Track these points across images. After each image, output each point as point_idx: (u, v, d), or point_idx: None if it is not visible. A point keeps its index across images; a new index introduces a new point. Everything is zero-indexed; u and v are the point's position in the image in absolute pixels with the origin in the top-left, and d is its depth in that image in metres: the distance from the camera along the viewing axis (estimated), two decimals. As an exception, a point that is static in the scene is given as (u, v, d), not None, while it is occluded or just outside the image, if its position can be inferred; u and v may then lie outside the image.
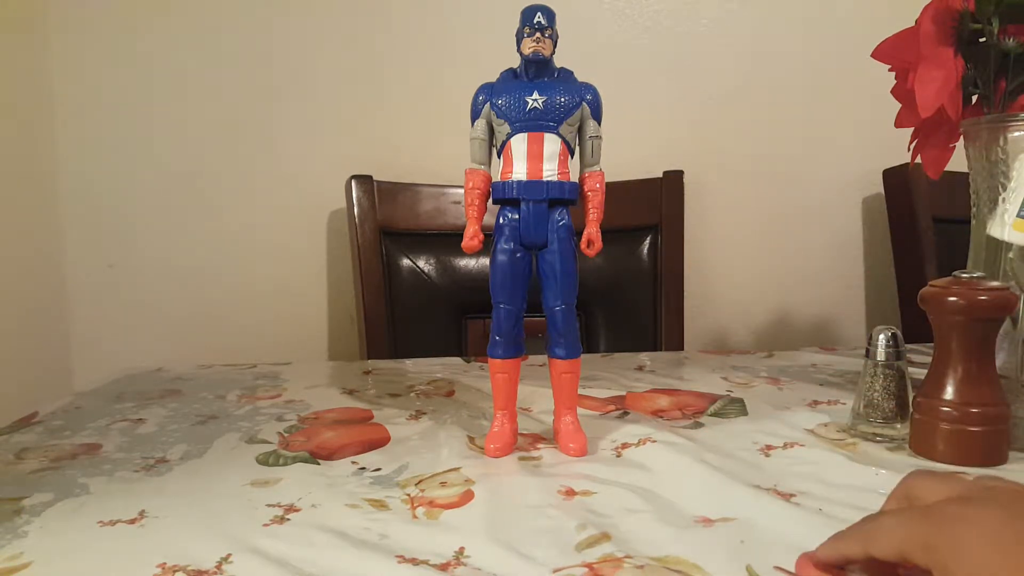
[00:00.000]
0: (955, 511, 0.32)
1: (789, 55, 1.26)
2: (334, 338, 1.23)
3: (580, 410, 0.62)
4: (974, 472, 0.52)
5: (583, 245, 0.56)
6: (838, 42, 1.23)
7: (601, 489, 0.50)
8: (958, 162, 0.66)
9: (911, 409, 0.58)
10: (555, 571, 0.39)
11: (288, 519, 0.46)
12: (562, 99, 0.55)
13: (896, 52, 0.66)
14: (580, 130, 0.56)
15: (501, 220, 0.56)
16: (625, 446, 0.59)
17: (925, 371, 0.57)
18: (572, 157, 0.57)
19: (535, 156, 0.55)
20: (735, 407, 0.70)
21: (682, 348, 1.16)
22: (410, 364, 0.93)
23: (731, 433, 0.62)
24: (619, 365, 0.90)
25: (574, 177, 0.57)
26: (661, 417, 0.67)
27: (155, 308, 1.18)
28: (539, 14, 0.54)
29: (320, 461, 0.57)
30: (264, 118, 1.17)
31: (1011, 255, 0.59)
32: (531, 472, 0.54)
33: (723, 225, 1.28)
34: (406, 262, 1.12)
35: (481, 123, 0.56)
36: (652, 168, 1.18)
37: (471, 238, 0.56)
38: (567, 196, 0.55)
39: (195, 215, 1.17)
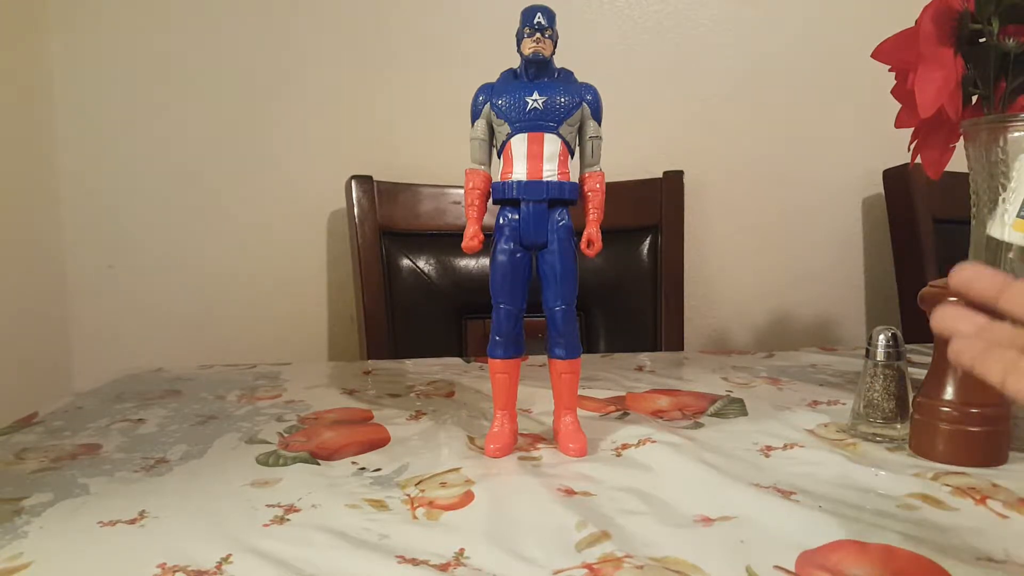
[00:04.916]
0: None
1: (789, 55, 1.26)
2: (334, 338, 1.23)
3: (580, 410, 0.62)
4: (973, 472, 0.52)
5: (583, 245, 0.56)
6: (838, 42, 1.23)
7: (601, 489, 0.50)
8: (958, 162, 0.65)
9: (911, 409, 0.58)
10: (555, 572, 0.39)
11: (288, 519, 0.46)
12: (562, 99, 0.55)
13: (896, 52, 0.65)
14: (580, 130, 0.56)
15: (501, 220, 0.56)
16: (625, 446, 0.59)
17: (925, 371, 0.57)
18: (572, 157, 0.57)
19: (535, 156, 0.55)
20: (735, 407, 0.70)
21: (682, 348, 1.16)
22: (410, 364, 0.93)
23: (731, 433, 0.62)
24: (619, 365, 0.90)
25: (574, 177, 0.57)
26: (661, 417, 0.67)
27: (155, 309, 1.18)
28: (539, 14, 0.54)
29: (320, 461, 0.57)
30: (264, 118, 1.17)
31: (1011, 255, 0.59)
32: (531, 472, 0.54)
33: (723, 225, 1.28)
34: (406, 262, 1.12)
35: (481, 123, 0.56)
36: (652, 168, 1.18)
37: (471, 238, 0.56)
38: (567, 196, 0.55)
39: (195, 215, 1.17)
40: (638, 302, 1.17)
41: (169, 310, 1.18)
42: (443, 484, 0.52)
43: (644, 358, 0.95)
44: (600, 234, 0.56)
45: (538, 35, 0.54)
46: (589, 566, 0.40)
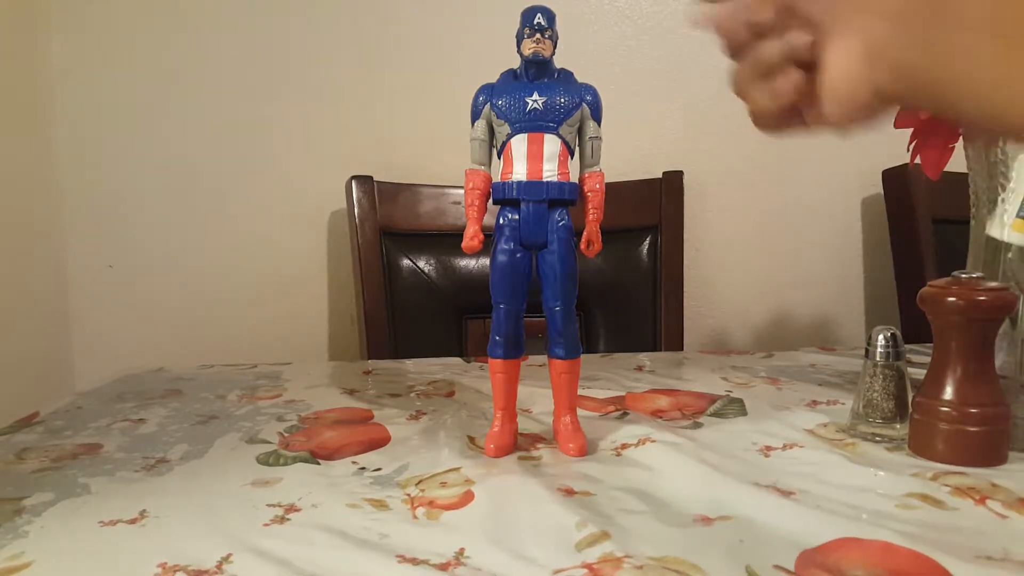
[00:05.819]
0: None
1: (789, 55, 1.26)
2: (334, 338, 1.23)
3: (580, 410, 0.62)
4: (972, 472, 0.52)
5: (583, 245, 0.57)
6: (838, 42, 1.23)
7: (601, 489, 0.50)
8: (957, 162, 0.66)
9: (910, 409, 0.58)
10: (555, 572, 0.39)
11: (288, 519, 0.46)
12: (562, 100, 0.55)
13: (895, 53, 0.65)
14: (580, 131, 0.56)
15: (501, 220, 0.56)
16: (625, 446, 0.59)
17: (924, 371, 0.57)
18: (572, 158, 0.57)
19: (535, 157, 0.55)
20: (734, 407, 0.70)
21: (681, 348, 1.16)
22: (410, 364, 0.93)
23: (730, 433, 0.63)
24: (619, 365, 0.90)
25: (574, 178, 0.57)
26: (661, 417, 0.67)
27: (156, 308, 1.18)
28: (539, 15, 0.54)
29: (320, 461, 0.57)
30: (264, 118, 1.17)
31: (1010, 255, 0.59)
32: (531, 472, 0.54)
33: (723, 225, 1.28)
34: (406, 262, 1.12)
35: (481, 124, 0.56)
36: (652, 168, 1.18)
37: (471, 238, 0.56)
38: (567, 196, 0.56)
39: (195, 215, 1.18)
40: (638, 302, 1.17)
41: (169, 310, 1.18)
42: (443, 484, 0.52)
43: (644, 358, 0.95)
44: (600, 234, 0.56)
45: (538, 36, 0.54)
46: (589, 566, 0.40)
